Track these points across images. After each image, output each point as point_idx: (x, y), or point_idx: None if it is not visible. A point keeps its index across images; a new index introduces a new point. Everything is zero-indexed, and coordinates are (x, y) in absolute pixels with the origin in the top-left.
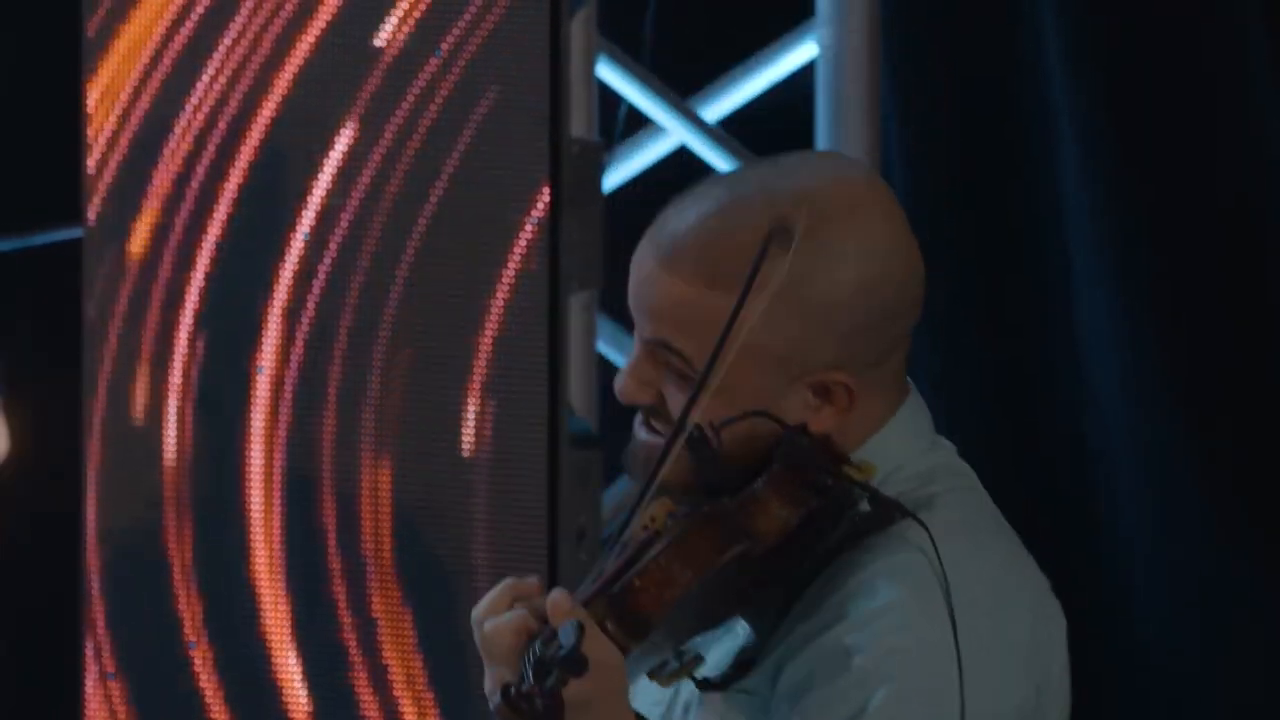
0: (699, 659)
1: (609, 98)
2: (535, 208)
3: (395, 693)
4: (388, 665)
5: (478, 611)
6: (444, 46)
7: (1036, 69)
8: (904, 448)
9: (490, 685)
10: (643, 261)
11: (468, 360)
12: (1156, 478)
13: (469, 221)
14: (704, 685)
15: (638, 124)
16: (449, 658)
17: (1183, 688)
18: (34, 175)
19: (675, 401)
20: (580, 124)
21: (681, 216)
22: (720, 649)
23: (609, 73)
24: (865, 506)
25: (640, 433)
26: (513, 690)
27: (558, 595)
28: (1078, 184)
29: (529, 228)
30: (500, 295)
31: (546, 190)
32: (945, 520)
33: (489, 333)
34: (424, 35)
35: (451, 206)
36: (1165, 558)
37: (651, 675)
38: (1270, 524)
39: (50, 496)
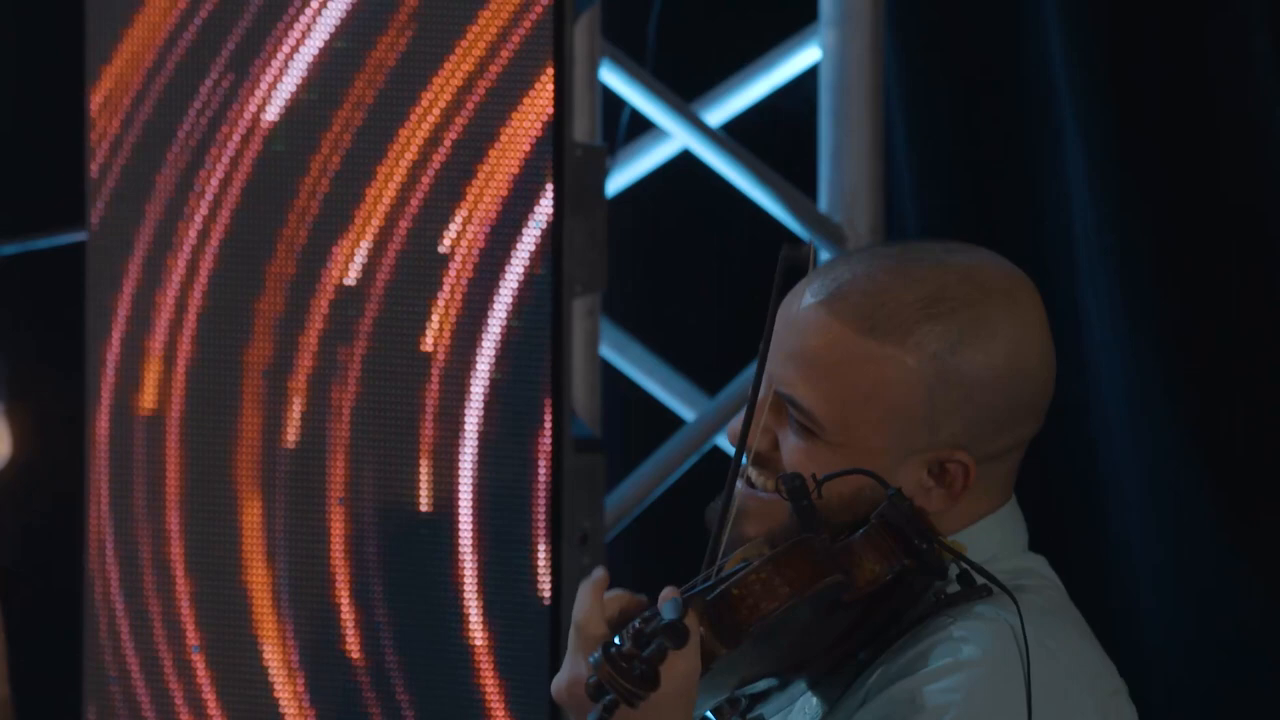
0: (758, 697)
1: (612, 102)
2: (538, 212)
3: (398, 698)
4: (389, 670)
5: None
6: (448, 51)
7: (1041, 73)
8: (996, 544)
9: (563, 678)
10: (796, 301)
11: (472, 363)
12: (1160, 479)
13: (472, 224)
14: None
15: (641, 128)
16: (449, 661)
17: (1185, 689)
18: (37, 179)
19: (791, 453)
20: (583, 128)
21: (849, 266)
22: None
23: (612, 77)
24: (955, 585)
25: (738, 485)
26: (613, 648)
27: (668, 589)
28: (1082, 187)
29: (532, 232)
30: (504, 299)
31: (550, 194)
32: (1031, 604)
33: (493, 336)
34: (428, 40)
35: (455, 209)
36: (1168, 560)
37: (713, 713)
38: (1273, 525)
39: (52, 499)
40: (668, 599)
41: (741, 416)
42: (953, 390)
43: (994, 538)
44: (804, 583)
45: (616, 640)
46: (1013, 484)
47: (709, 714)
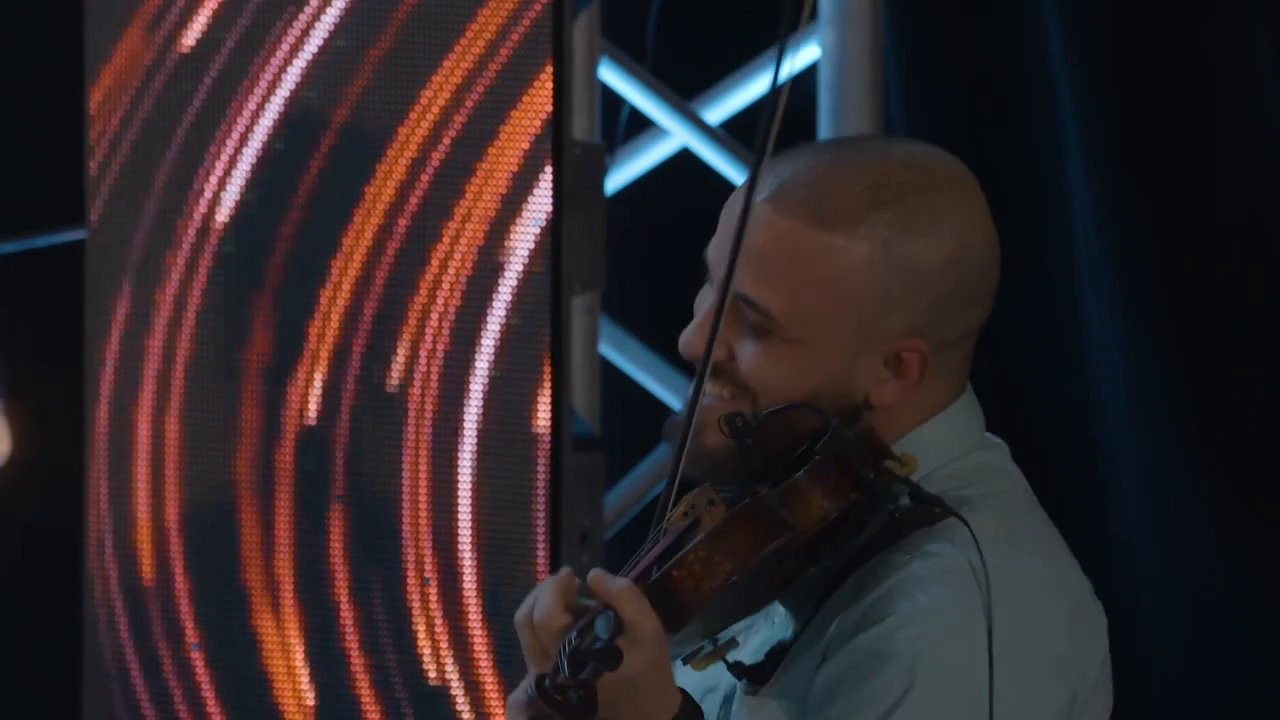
0: (732, 643)
1: (611, 100)
2: (538, 209)
3: (398, 695)
4: (389, 669)
5: (519, 614)
6: (448, 49)
7: (1041, 73)
8: (952, 442)
9: (519, 691)
10: (739, 202)
11: (471, 361)
12: (1160, 479)
13: (471, 222)
14: (737, 670)
15: (640, 126)
16: (449, 659)
17: (1185, 689)
18: (36, 177)
19: (748, 359)
20: (583, 126)
21: (790, 163)
22: (758, 638)
23: (611, 75)
24: (906, 502)
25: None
26: (547, 682)
27: (595, 574)
28: (1082, 187)
29: (531, 229)
30: (503, 297)
31: (549, 192)
32: (984, 522)
33: (492, 334)
34: (428, 37)
35: (453, 206)
36: (1169, 560)
37: (685, 660)
38: (1273, 525)
39: (52, 498)
40: (600, 587)
41: (693, 326)
42: (905, 276)
43: (949, 435)
44: (746, 552)
45: (558, 656)
46: (966, 374)
47: (681, 661)
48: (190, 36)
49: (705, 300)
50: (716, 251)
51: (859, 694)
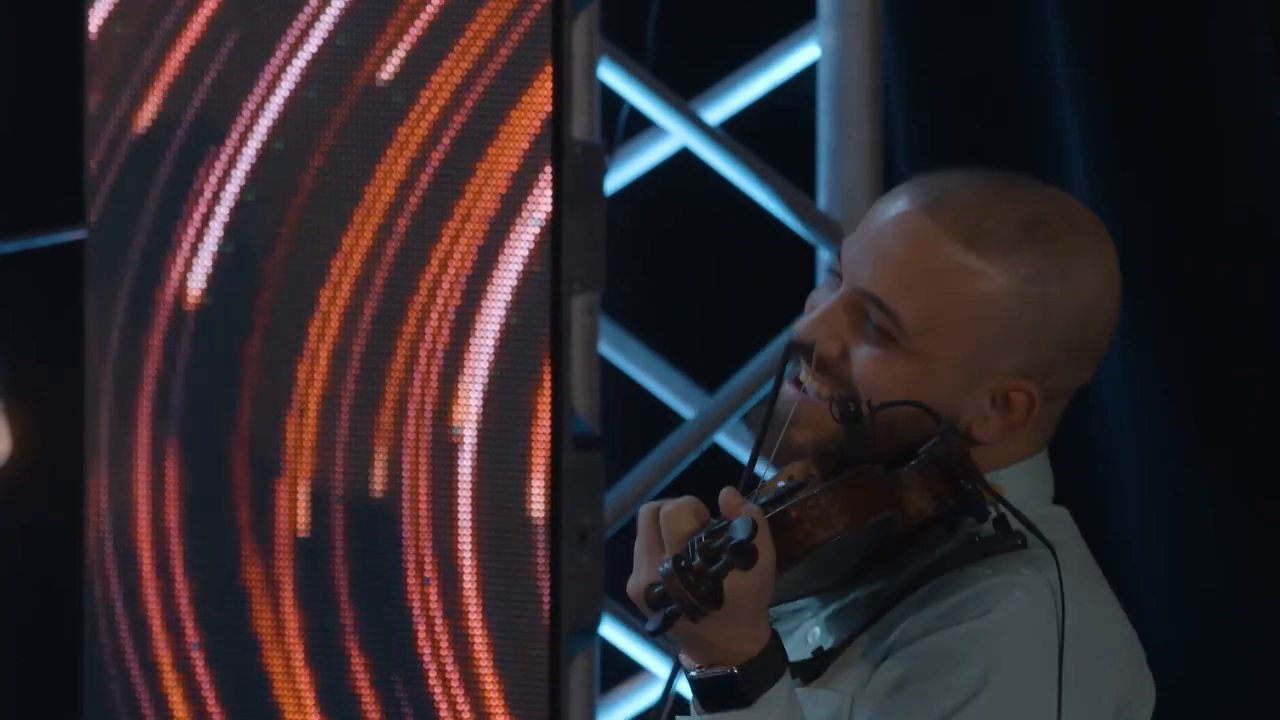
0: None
1: (611, 100)
2: (537, 209)
3: (398, 695)
4: (389, 669)
5: (647, 506)
6: (447, 49)
7: (1041, 73)
8: (1030, 488)
9: (635, 581)
10: (892, 206)
11: (470, 360)
12: (1160, 479)
13: (471, 222)
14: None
15: (639, 126)
16: (449, 658)
17: (1186, 689)
18: (36, 177)
19: (864, 361)
20: (582, 126)
21: (949, 180)
22: (795, 638)
23: (611, 75)
24: (990, 528)
25: (788, 388)
26: (683, 562)
27: (728, 491)
28: (1082, 187)
29: (531, 229)
30: (502, 296)
31: (548, 192)
32: (1069, 562)
33: (491, 334)
34: (429, 38)
35: (453, 206)
36: (1169, 560)
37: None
38: (1274, 525)
39: (52, 498)
40: (736, 512)
41: (811, 316)
42: (1036, 316)
43: (1030, 482)
44: (861, 514)
45: (689, 550)
46: (1051, 434)
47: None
48: (190, 36)
49: (822, 299)
50: (853, 249)
51: (926, 689)
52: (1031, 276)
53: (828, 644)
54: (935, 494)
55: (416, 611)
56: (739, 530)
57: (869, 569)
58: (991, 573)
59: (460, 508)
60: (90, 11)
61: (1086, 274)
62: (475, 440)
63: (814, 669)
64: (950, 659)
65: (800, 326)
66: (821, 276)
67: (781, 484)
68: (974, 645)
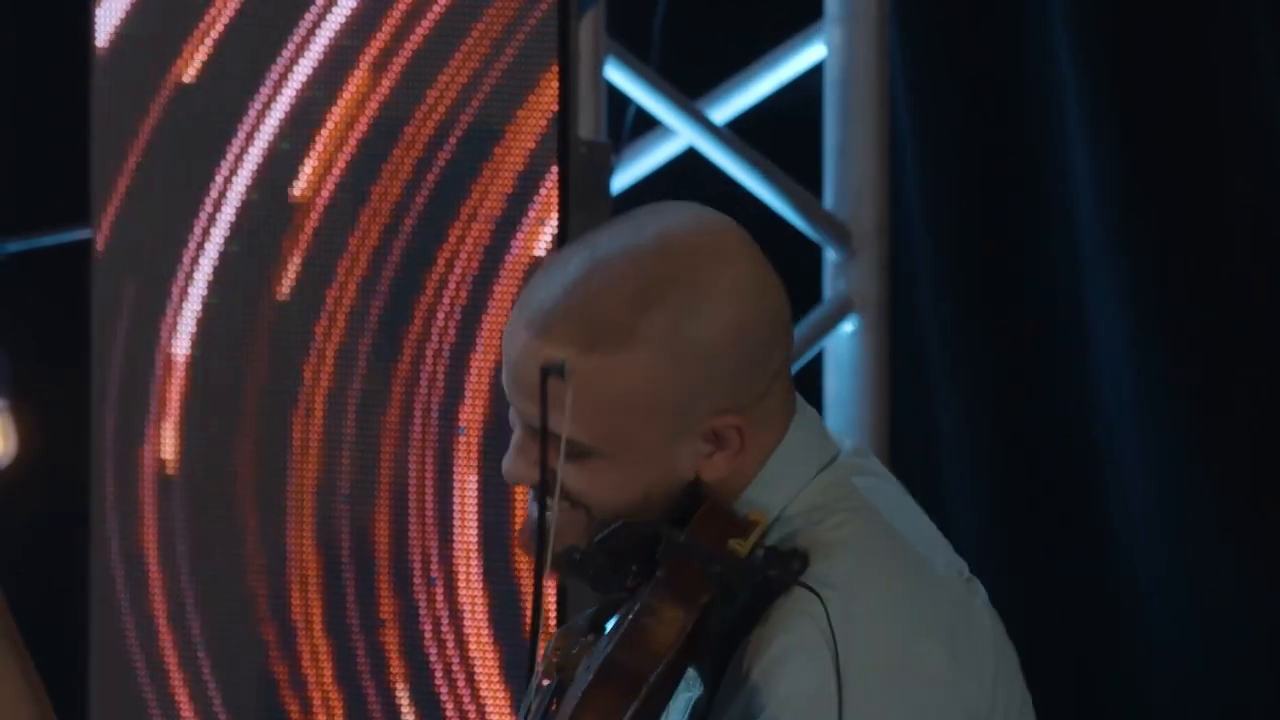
0: None
1: (617, 99)
2: (544, 209)
3: (403, 694)
4: (394, 671)
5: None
6: (456, 48)
7: (1046, 71)
8: (793, 478)
9: None
10: (514, 340)
11: (475, 359)
12: (1165, 480)
13: (478, 222)
14: None
15: (646, 125)
16: (455, 661)
17: (1189, 689)
18: (40, 176)
19: (572, 481)
20: (588, 125)
21: (547, 288)
22: (679, 701)
23: (617, 74)
24: (771, 571)
25: (534, 509)
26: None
27: None
28: (1086, 187)
29: (537, 229)
30: (509, 296)
31: (555, 191)
32: (841, 570)
33: (498, 334)
34: (436, 38)
35: (459, 206)
36: (1175, 563)
37: None
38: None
39: (53, 498)
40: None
41: (510, 452)
42: (695, 363)
43: (786, 475)
44: (619, 707)
45: None
46: (792, 401)
47: None
48: (199, 37)
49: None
50: (509, 386)
51: None
52: (664, 335)
53: (697, 688)
54: (688, 598)
55: (423, 611)
56: None
57: (677, 681)
58: (770, 634)
59: (467, 507)
60: (97, 12)
61: (715, 296)
62: (478, 441)
63: None
64: None
65: (505, 467)
66: (828, 276)
67: (556, 674)
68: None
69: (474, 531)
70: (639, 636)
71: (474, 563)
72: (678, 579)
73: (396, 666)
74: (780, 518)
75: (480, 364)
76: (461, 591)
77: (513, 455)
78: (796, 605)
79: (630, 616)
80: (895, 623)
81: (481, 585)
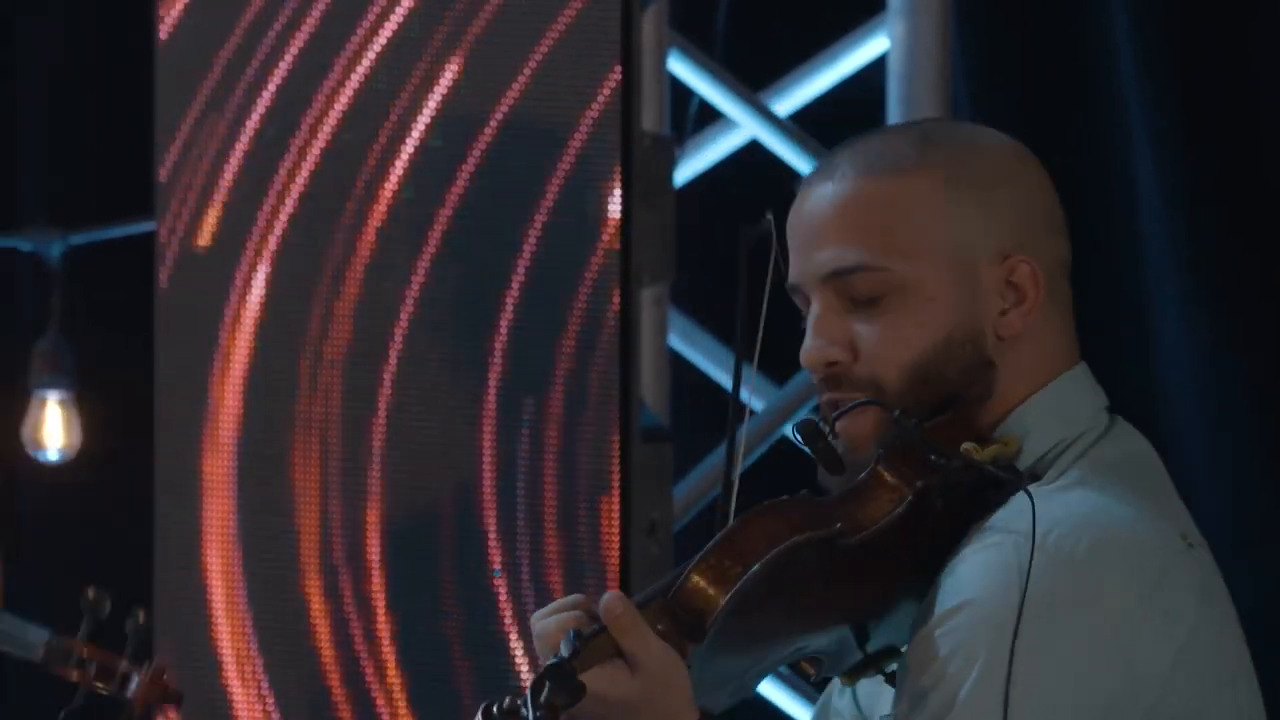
0: (891, 653)
1: (680, 92)
2: (607, 201)
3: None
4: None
5: (536, 616)
6: (519, 42)
7: (1109, 64)
8: (1061, 415)
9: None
10: (805, 200)
11: (542, 353)
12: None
13: (541, 214)
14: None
15: (709, 118)
16: (495, 656)
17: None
18: (107, 169)
19: (871, 344)
20: (652, 118)
21: (831, 162)
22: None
23: (680, 67)
24: (997, 472)
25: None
26: (494, 709)
27: (608, 597)
28: (1150, 176)
29: (601, 221)
30: (573, 289)
31: (618, 184)
32: (1074, 501)
33: (562, 326)
34: (499, 31)
35: (524, 200)
36: (1251, 577)
37: (841, 674)
38: None
39: (121, 489)
40: (611, 612)
41: (809, 337)
42: (973, 193)
43: (1054, 411)
44: (753, 555)
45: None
46: (1074, 338)
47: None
48: (261, 34)
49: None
50: (794, 260)
51: (910, 686)
52: (944, 168)
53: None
54: (897, 488)
55: (503, 599)
56: (562, 648)
57: (906, 580)
58: (971, 550)
59: (530, 498)
60: (162, 14)
61: (993, 152)
62: (546, 432)
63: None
64: (924, 650)
65: (804, 353)
66: None
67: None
68: (938, 639)
69: (534, 522)
70: (853, 498)
71: (534, 555)
72: (893, 467)
73: (469, 651)
74: (1043, 459)
75: (548, 355)
76: (524, 584)
77: (809, 337)
78: (1009, 520)
79: (810, 503)
80: (1100, 564)
81: (544, 579)
